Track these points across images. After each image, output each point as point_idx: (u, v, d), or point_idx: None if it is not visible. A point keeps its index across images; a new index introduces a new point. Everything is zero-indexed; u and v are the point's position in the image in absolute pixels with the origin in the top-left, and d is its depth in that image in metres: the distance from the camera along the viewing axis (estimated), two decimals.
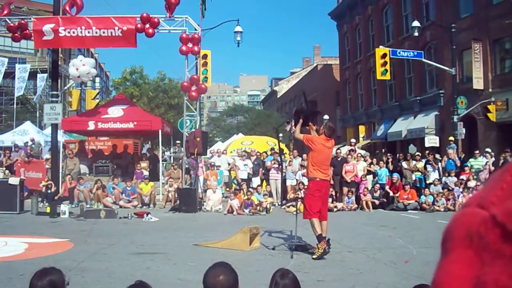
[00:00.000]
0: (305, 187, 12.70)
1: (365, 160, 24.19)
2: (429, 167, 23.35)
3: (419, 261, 10.34)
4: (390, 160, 24.68)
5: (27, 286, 3.90)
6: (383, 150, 34.68)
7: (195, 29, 22.55)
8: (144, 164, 25.39)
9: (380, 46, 31.59)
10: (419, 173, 23.49)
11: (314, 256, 10.84)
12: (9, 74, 45.29)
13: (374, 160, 24.84)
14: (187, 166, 23.05)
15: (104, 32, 22.08)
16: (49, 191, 21.44)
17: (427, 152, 25.36)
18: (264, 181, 23.85)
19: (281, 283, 4.18)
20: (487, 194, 0.78)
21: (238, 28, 27.87)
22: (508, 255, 0.72)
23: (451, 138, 26.87)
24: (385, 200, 22.09)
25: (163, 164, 27.06)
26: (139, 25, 22.07)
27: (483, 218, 0.76)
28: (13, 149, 27.81)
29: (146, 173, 24.33)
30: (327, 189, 11.94)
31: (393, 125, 39.73)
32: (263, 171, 24.12)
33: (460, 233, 0.79)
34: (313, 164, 11.35)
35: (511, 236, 0.72)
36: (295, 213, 12.64)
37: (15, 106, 45.84)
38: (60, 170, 23.43)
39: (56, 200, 20.37)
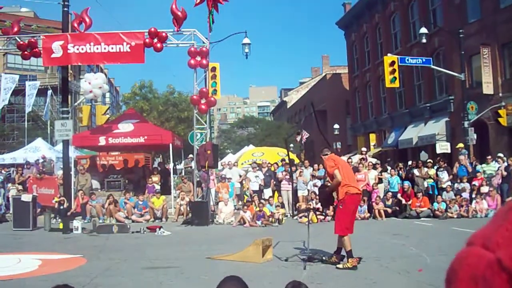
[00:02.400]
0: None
1: (375, 169, 24.09)
2: (440, 174, 23.22)
3: (433, 269, 10.27)
4: (401, 167, 24.59)
5: None
6: (388, 160, 34.55)
7: (203, 42, 22.64)
8: (155, 178, 25.43)
9: (389, 54, 31.58)
10: (431, 180, 23.37)
11: (339, 266, 10.85)
12: (20, 91, 45.57)
13: (388, 169, 24.71)
14: (198, 179, 23.05)
15: (112, 48, 22.22)
16: (61, 207, 21.52)
17: (438, 158, 25.26)
18: (276, 192, 23.80)
19: None
20: (493, 234, 0.75)
21: (246, 40, 27.93)
22: None
23: (461, 145, 26.74)
24: (397, 208, 21.98)
25: (174, 177, 27.09)
26: (147, 40, 22.21)
27: (489, 261, 0.73)
28: (25, 166, 27.94)
29: (157, 187, 24.38)
30: (359, 200, 11.87)
31: (404, 133, 39.61)
32: (274, 182, 24.09)
33: (465, 274, 0.77)
34: (345, 180, 11.12)
35: None
36: (307, 223, 12.60)
37: (26, 123, 46.10)
38: (72, 186, 23.50)
39: (69, 216, 20.43)
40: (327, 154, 11.65)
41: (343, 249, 11.05)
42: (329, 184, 11.73)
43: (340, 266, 10.84)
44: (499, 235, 0.74)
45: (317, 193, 11.96)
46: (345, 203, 11.08)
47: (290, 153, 19.91)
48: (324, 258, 11.47)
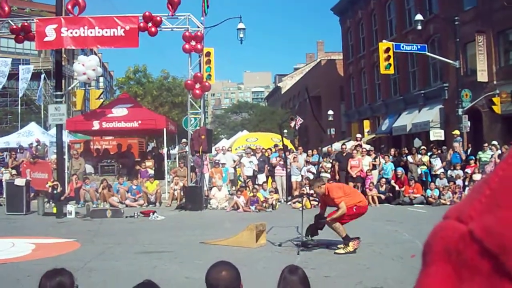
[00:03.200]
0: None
1: (369, 155, 24.13)
2: (434, 160, 23.27)
3: None
4: (395, 154, 24.67)
5: (35, 287, 3.90)
6: (382, 146, 34.61)
7: (198, 27, 22.53)
8: (149, 163, 25.41)
9: (384, 41, 31.52)
10: (425, 167, 23.43)
11: (340, 251, 10.91)
12: (14, 76, 45.31)
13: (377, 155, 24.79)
14: (192, 164, 23.04)
15: (106, 32, 22.09)
16: (55, 191, 21.49)
17: (432, 145, 25.31)
18: (270, 177, 23.82)
19: (290, 279, 4.17)
20: (466, 207, 0.76)
21: (241, 25, 27.86)
22: (486, 272, 0.70)
23: (456, 132, 26.75)
24: (391, 194, 22.05)
25: (168, 162, 27.07)
26: (141, 24, 22.07)
27: (462, 234, 0.74)
28: (18, 151, 27.84)
29: (151, 172, 24.36)
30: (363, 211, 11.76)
31: (398, 119, 39.62)
32: (268, 167, 24.10)
33: (439, 247, 0.77)
34: (347, 195, 11.33)
35: (488, 253, 0.70)
36: (301, 209, 12.63)
37: (19, 107, 45.88)
38: (66, 171, 23.46)
39: (62, 201, 20.41)
40: (324, 184, 11.69)
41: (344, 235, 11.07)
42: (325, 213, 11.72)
43: (341, 251, 10.89)
44: (472, 208, 0.75)
45: (316, 223, 11.99)
46: (356, 210, 11.23)
47: (284, 138, 19.90)
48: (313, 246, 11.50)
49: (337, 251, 10.96)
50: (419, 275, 0.80)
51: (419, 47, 30.29)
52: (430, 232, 0.81)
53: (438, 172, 22.68)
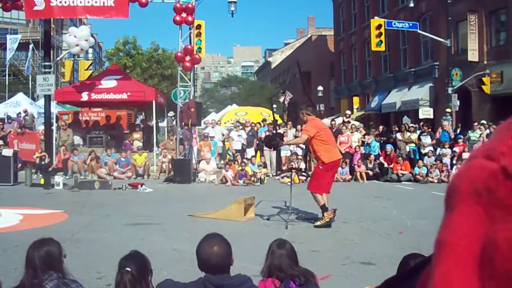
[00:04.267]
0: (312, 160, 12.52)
1: (359, 131, 24.14)
2: (423, 138, 23.31)
3: (413, 232, 10.39)
4: (382, 130, 24.78)
5: (22, 257, 3.87)
6: (371, 123, 34.66)
7: None
8: (137, 135, 25.33)
9: (376, 17, 31.36)
10: (413, 145, 23.49)
11: (317, 223, 11.03)
12: (1, 45, 44.90)
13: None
14: (181, 136, 22.99)
15: (96, 2, 21.83)
16: (43, 162, 21.38)
17: (421, 123, 25.36)
18: (258, 152, 23.82)
19: (278, 253, 4.18)
20: (496, 145, 0.72)
21: None
22: None
23: (448, 110, 26.81)
24: (379, 171, 22.13)
25: (157, 135, 26.99)
26: None
27: (493, 171, 0.70)
28: (6, 121, 27.64)
29: (139, 144, 24.29)
30: (338, 165, 12.00)
31: (387, 97, 39.63)
32: (257, 142, 24.08)
33: (467, 187, 0.73)
34: (325, 143, 11.24)
35: None
36: (289, 183, 12.65)
37: (7, 77, 45.52)
38: (54, 142, 23.35)
39: (50, 172, 20.30)
40: (310, 115, 11.61)
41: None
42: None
43: (318, 223, 11.00)
44: (503, 144, 0.72)
45: (273, 135, 12.39)
46: (326, 166, 11.19)
47: (273, 113, 19.87)
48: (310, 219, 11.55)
49: (316, 223, 11.07)
50: (444, 220, 0.76)
51: (410, 24, 30.22)
52: (455, 174, 0.77)
53: (427, 150, 22.73)
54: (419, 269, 0.94)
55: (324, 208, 11.03)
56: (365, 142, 23.57)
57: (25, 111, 29.46)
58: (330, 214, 10.93)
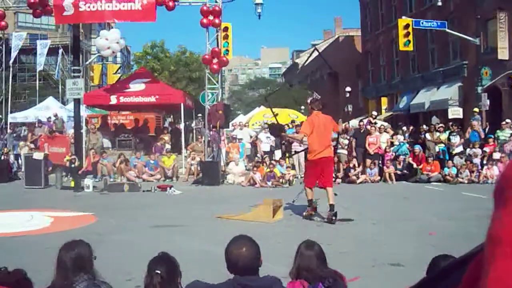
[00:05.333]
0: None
1: (387, 132, 23.98)
2: (453, 138, 23.05)
3: (442, 233, 10.28)
4: (410, 131, 24.58)
5: (53, 259, 3.92)
6: (399, 124, 34.36)
7: (216, 1, 22.38)
8: (166, 137, 25.48)
9: (403, 17, 31.15)
10: (443, 145, 23.25)
11: (304, 213, 12.23)
12: (31, 51, 45.48)
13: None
14: (209, 139, 23.06)
15: (124, 6, 21.99)
16: (72, 165, 21.62)
17: (450, 123, 25.09)
18: (287, 153, 23.79)
19: (306, 254, 4.18)
20: None
21: (259, 0, 27.60)
22: None
23: (476, 109, 26.47)
24: (407, 172, 21.93)
25: (186, 137, 27.09)
26: None
27: None
28: (36, 125, 28.01)
29: (168, 146, 24.45)
30: (325, 163, 12.20)
31: (416, 97, 39.27)
32: (285, 143, 24.06)
33: None
34: (311, 146, 12.22)
35: None
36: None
37: (37, 82, 46.12)
38: (83, 145, 23.60)
39: (80, 175, 20.52)
40: (314, 110, 12.38)
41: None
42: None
43: (305, 213, 12.20)
44: None
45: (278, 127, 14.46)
46: (309, 162, 12.51)
47: (300, 115, 19.87)
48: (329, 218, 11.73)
49: (304, 213, 12.27)
50: (496, 215, 0.72)
51: (438, 23, 29.92)
52: (507, 166, 0.74)
53: (456, 150, 22.48)
54: (451, 270, 0.92)
55: (309, 203, 12.20)
56: (393, 143, 23.39)
57: (55, 115, 29.83)
58: (309, 211, 11.99)
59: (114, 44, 23.24)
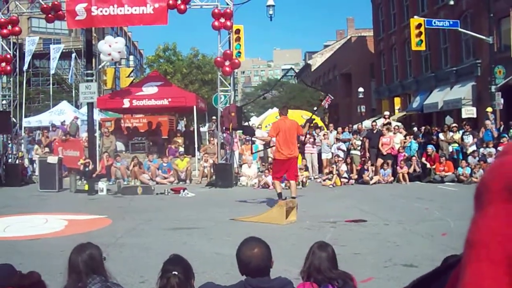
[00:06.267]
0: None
1: (401, 132, 23.89)
2: (466, 138, 22.93)
3: (456, 233, 10.21)
4: (424, 131, 24.47)
5: (67, 261, 3.96)
6: (413, 124, 34.23)
7: (227, 4, 22.40)
8: (179, 140, 25.53)
9: (415, 16, 31.00)
10: (456, 145, 23.13)
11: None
12: (45, 55, 45.85)
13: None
14: (222, 141, 23.09)
15: (135, 10, 22.07)
16: (86, 169, 21.74)
17: (464, 123, 24.96)
18: (300, 155, 23.75)
19: (318, 254, 4.18)
20: None
21: (271, 1, 27.60)
22: None
23: (489, 109, 26.29)
24: (421, 172, 21.82)
25: (199, 139, 27.14)
26: (170, 2, 22.00)
27: None
28: (50, 129, 28.19)
29: (181, 149, 24.51)
30: (289, 163, 14.32)
31: (429, 97, 39.10)
32: (298, 145, 24.01)
33: (499, 185, 0.70)
34: (279, 146, 14.26)
35: None
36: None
37: (51, 86, 46.45)
38: (97, 148, 23.72)
39: (94, 178, 20.63)
40: (282, 115, 15.29)
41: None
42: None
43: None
44: None
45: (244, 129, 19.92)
46: (276, 161, 14.66)
47: (313, 116, 19.83)
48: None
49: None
50: (474, 218, 0.74)
51: (451, 23, 29.76)
52: (487, 170, 0.75)
53: (470, 150, 22.36)
54: (450, 268, 0.92)
55: (279, 196, 13.97)
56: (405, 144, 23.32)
57: (76, 118, 29.95)
58: (281, 203, 12.37)
59: (115, 53, 23.44)
